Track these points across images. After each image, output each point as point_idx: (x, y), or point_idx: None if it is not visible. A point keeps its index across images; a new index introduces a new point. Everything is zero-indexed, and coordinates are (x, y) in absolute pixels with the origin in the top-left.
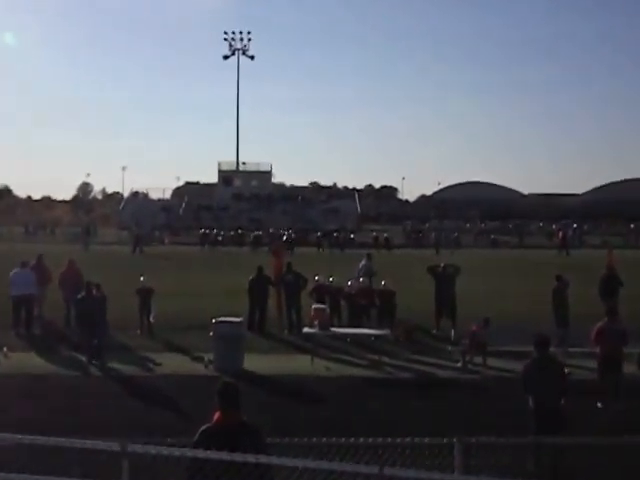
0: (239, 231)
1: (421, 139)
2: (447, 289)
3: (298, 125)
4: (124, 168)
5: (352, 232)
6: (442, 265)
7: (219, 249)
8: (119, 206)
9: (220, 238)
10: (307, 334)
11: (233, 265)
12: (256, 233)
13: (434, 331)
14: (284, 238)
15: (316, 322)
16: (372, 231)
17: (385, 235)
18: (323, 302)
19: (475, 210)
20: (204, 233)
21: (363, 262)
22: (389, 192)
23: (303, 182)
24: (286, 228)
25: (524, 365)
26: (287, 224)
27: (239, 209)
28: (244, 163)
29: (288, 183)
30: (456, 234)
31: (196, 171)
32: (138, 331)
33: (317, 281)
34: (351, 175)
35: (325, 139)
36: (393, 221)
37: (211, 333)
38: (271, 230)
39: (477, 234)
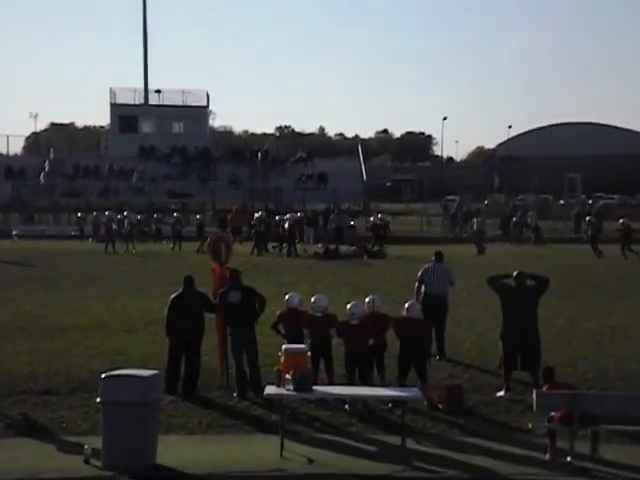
0: (155, 215)
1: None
2: (525, 316)
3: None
4: None
5: (353, 214)
6: (514, 274)
7: (116, 246)
8: None
9: (117, 226)
10: (273, 397)
11: (140, 275)
12: (178, 216)
13: (500, 393)
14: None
15: (288, 376)
16: (378, 213)
17: (386, 219)
18: (299, 338)
19: (574, 174)
20: (81, 218)
21: (429, 265)
22: (419, 143)
23: (269, 128)
24: (240, 207)
25: None
26: (238, 201)
27: (150, 174)
28: (159, 91)
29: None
30: (531, 215)
31: (70, 106)
32: None
33: (290, 302)
34: (353, 118)
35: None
36: (428, 194)
37: (98, 399)
38: (208, 213)
39: (577, 215)
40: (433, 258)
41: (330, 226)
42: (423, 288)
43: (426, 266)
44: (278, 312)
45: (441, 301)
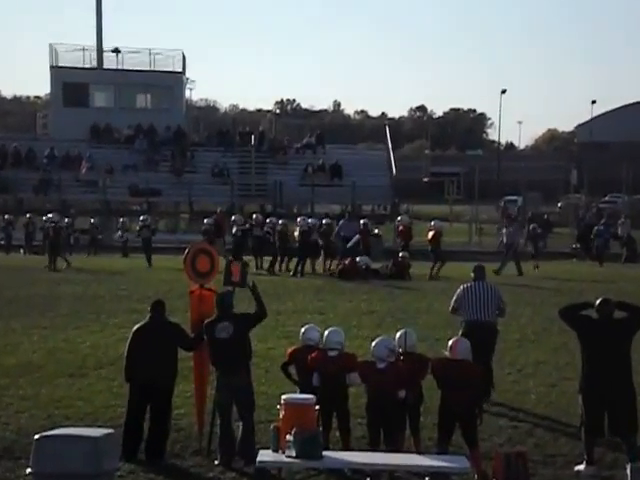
0: (121, 219)
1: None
2: (613, 360)
3: None
4: None
5: (379, 221)
6: (598, 302)
7: (58, 260)
8: None
9: (64, 233)
10: (268, 466)
11: (91, 299)
12: (144, 220)
13: (580, 467)
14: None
15: (289, 436)
16: (401, 214)
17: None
18: (308, 387)
19: None
20: (8, 222)
21: (467, 286)
22: (468, 124)
23: (266, 104)
24: (223, 209)
25: None
26: (225, 200)
27: (105, 163)
28: (117, 51)
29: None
30: (621, 223)
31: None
32: None
33: (307, 339)
34: (379, 90)
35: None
36: (480, 193)
37: (28, 470)
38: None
39: None
40: (472, 275)
41: (337, 237)
42: (461, 318)
43: (462, 287)
44: (290, 350)
45: (488, 330)
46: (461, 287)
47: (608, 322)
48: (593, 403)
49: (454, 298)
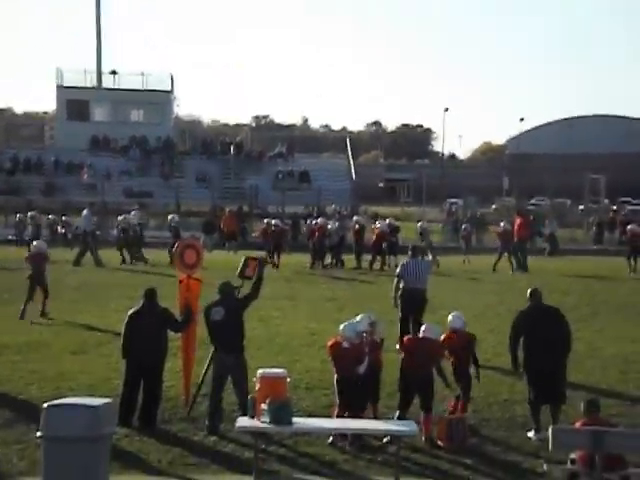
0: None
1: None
2: (546, 340)
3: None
4: None
5: (339, 219)
6: (529, 292)
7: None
8: None
9: (69, 233)
10: (246, 430)
11: (91, 287)
12: (128, 220)
13: (530, 434)
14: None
15: (264, 405)
16: (374, 218)
17: (420, 224)
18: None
19: (596, 175)
20: (20, 221)
21: (407, 261)
22: (417, 137)
23: (244, 119)
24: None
25: None
26: (205, 201)
27: (103, 170)
28: (114, 72)
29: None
30: (548, 222)
31: (8, 88)
32: None
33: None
34: (340, 108)
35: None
36: (427, 196)
37: (38, 433)
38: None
39: (599, 223)
40: (409, 253)
41: (333, 239)
42: (402, 284)
43: (404, 262)
44: (330, 342)
45: (421, 295)
46: (402, 262)
47: (540, 308)
48: (534, 377)
49: (397, 270)
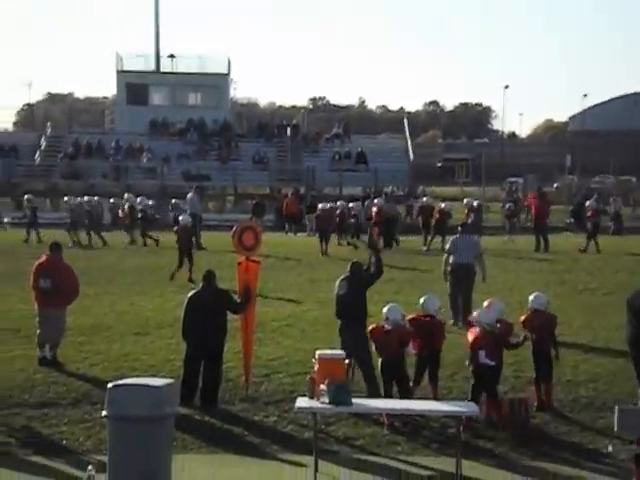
0: (173, 201)
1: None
2: None
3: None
4: None
5: (398, 200)
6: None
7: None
8: None
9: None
10: (305, 411)
11: (151, 270)
12: (143, 202)
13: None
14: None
15: (323, 386)
16: (423, 196)
17: (474, 202)
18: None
19: None
20: (80, 204)
21: (456, 237)
22: (475, 116)
23: (300, 100)
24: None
25: None
26: (262, 184)
27: (162, 153)
28: (172, 57)
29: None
30: (614, 200)
31: (69, 74)
32: None
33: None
34: (397, 87)
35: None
36: (487, 176)
37: (103, 413)
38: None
39: None
40: (460, 229)
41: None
42: (451, 259)
43: (453, 238)
44: (371, 327)
45: (469, 270)
46: (451, 238)
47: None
48: None
49: (447, 246)
